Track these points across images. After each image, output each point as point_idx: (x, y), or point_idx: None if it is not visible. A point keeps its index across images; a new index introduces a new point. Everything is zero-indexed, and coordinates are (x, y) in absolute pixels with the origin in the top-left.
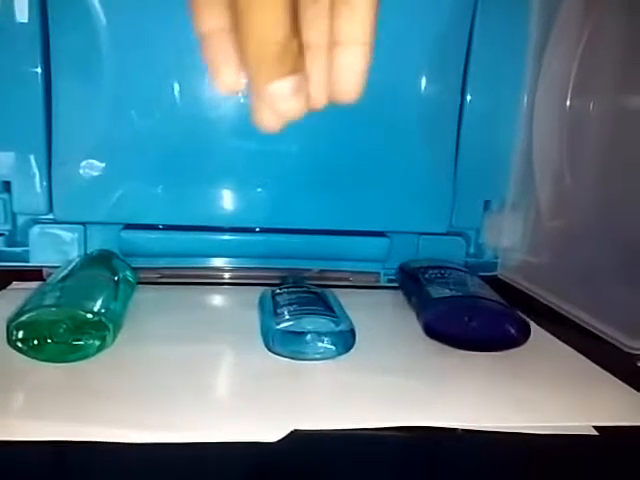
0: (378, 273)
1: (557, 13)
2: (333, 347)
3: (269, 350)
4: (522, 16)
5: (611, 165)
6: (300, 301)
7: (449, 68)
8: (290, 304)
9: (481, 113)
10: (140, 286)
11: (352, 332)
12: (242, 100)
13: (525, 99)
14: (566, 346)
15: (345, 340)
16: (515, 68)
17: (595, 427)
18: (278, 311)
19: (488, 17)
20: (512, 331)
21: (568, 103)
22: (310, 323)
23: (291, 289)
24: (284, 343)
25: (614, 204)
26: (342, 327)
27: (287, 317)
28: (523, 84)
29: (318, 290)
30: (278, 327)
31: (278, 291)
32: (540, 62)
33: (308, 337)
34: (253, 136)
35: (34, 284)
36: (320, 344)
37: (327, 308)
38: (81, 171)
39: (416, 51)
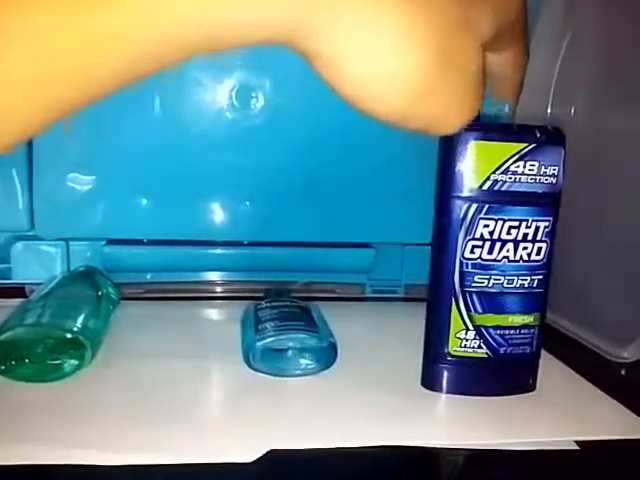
0: (364, 284)
1: (536, 21)
2: (314, 363)
3: (249, 367)
4: None
5: (592, 171)
6: (282, 316)
7: None
8: (272, 319)
9: None
10: (124, 302)
11: (334, 348)
12: (228, 114)
13: (506, 108)
14: (550, 356)
15: (327, 356)
16: None
17: (577, 441)
18: (259, 327)
19: None
20: None
21: (549, 111)
22: (291, 339)
23: (274, 303)
24: (264, 359)
25: (597, 212)
26: (324, 343)
27: (268, 333)
28: None
29: (301, 304)
30: (259, 344)
31: (260, 306)
32: None
33: (289, 353)
34: (237, 150)
35: (17, 301)
36: (301, 360)
37: (309, 323)
38: (63, 186)
39: None
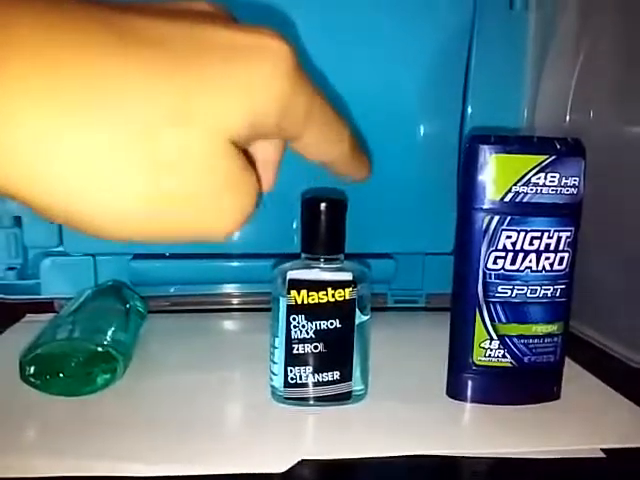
0: (385, 294)
1: (554, 32)
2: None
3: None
4: (520, 36)
5: (611, 178)
6: (316, 356)
7: (449, 89)
8: (308, 362)
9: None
10: (151, 315)
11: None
12: None
13: (525, 118)
14: (573, 363)
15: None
16: (514, 87)
17: (602, 449)
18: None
19: (486, 38)
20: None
21: (567, 118)
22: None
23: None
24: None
25: (616, 217)
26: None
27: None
28: (523, 103)
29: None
30: (282, 395)
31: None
32: (539, 80)
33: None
34: None
35: (47, 316)
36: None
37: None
38: None
39: (415, 74)
